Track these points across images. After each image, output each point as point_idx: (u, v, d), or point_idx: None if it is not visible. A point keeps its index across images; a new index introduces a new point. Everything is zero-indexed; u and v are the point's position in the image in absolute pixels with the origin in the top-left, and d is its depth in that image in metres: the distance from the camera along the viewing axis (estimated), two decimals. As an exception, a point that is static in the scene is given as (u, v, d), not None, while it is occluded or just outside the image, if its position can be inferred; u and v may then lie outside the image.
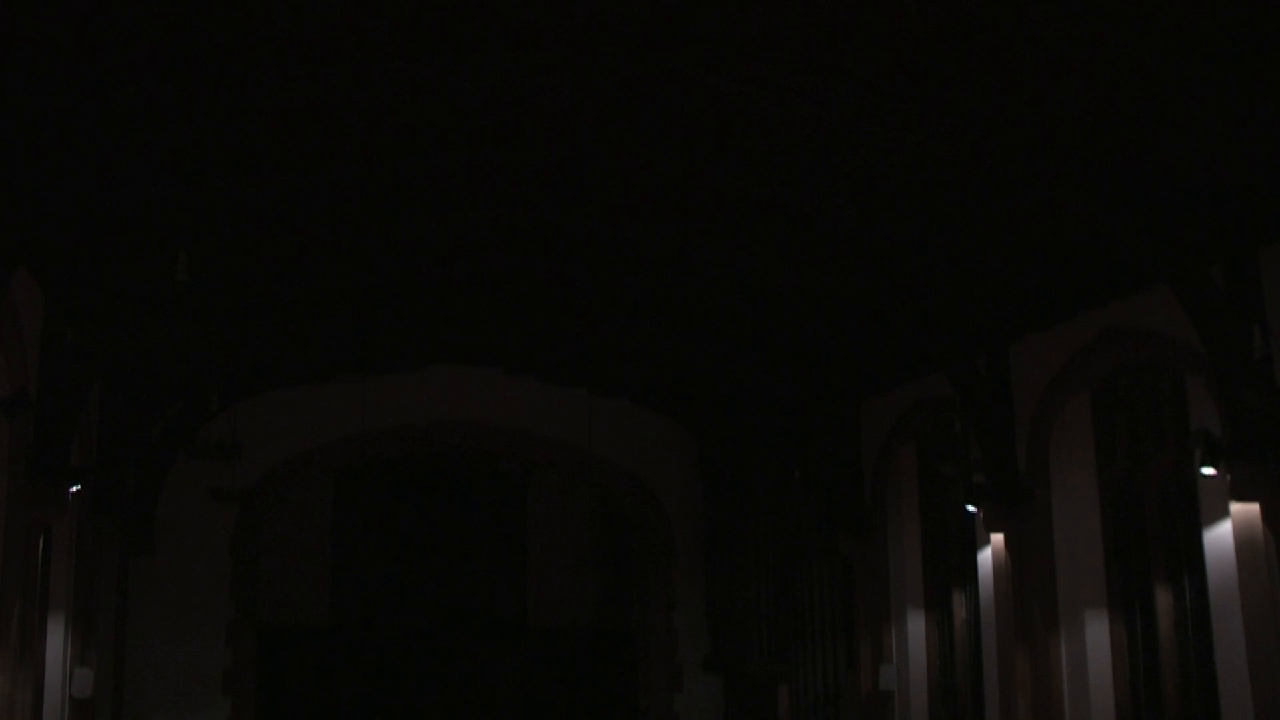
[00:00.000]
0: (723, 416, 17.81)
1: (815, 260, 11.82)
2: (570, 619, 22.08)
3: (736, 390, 16.80)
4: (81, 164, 8.53)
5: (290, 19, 7.16)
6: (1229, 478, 9.09)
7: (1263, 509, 9.00)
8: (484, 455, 19.40)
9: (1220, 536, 9.72)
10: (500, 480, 21.81)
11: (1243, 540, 9.24)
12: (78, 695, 12.36)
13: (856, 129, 9.14)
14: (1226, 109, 8.15)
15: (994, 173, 9.48)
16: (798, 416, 15.95)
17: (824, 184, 10.18)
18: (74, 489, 10.77)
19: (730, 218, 11.15)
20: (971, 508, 12.64)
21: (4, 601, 9.56)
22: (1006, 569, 12.25)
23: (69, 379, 10.63)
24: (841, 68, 8.32)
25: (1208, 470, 9.27)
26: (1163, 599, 10.81)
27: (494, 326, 15.92)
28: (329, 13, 7.18)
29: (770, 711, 16.56)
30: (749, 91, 8.84)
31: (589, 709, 20.95)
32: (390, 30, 7.60)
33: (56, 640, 12.10)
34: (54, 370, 10.47)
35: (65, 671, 12.19)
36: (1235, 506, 9.30)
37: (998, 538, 12.42)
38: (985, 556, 12.86)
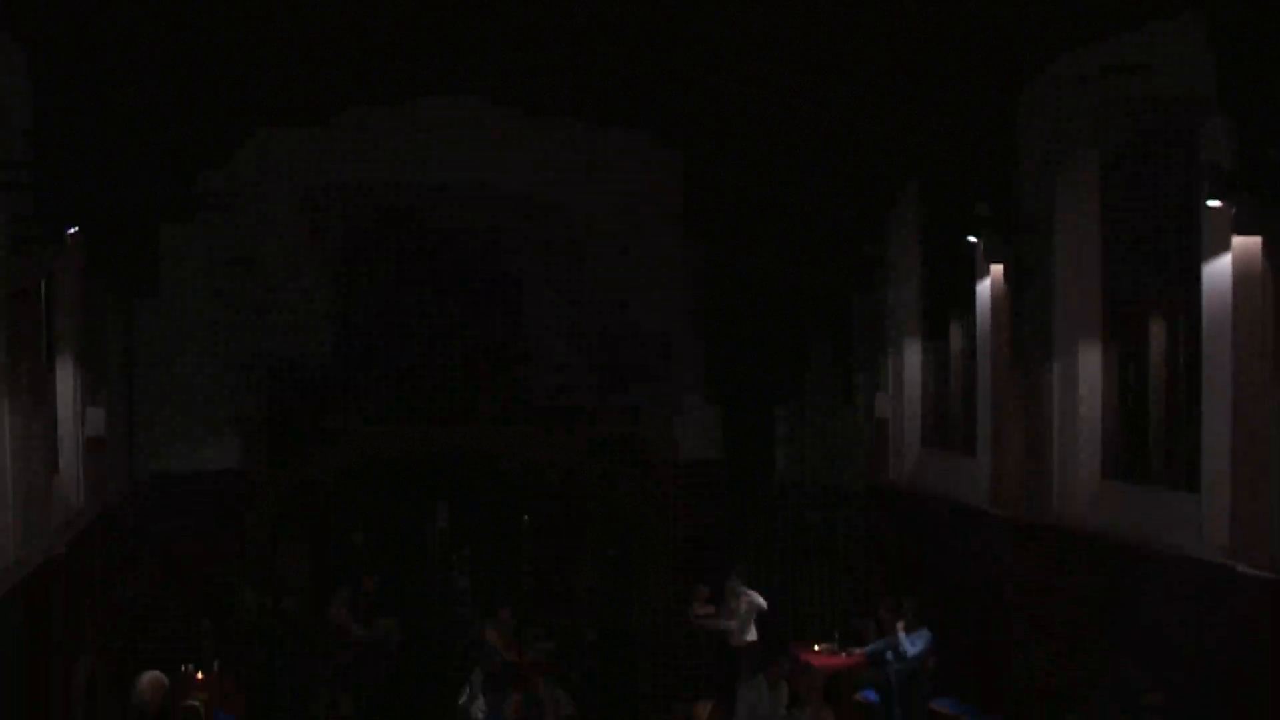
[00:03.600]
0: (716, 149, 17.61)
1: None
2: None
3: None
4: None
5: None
6: (1234, 210, 9.15)
7: (1264, 243, 9.08)
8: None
9: (1219, 269, 9.76)
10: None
11: (1240, 273, 9.22)
12: (91, 434, 12.71)
13: None
14: None
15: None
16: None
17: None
18: (72, 230, 10.73)
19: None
20: (972, 238, 12.82)
21: (12, 346, 9.68)
22: (1004, 298, 12.44)
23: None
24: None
25: (1213, 203, 9.25)
26: (1156, 330, 10.92)
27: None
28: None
29: (767, 433, 17.33)
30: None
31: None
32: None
33: (66, 380, 12.34)
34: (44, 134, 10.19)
35: (77, 411, 12.50)
36: (1237, 240, 9.31)
37: (997, 268, 12.56)
38: (984, 287, 13.04)
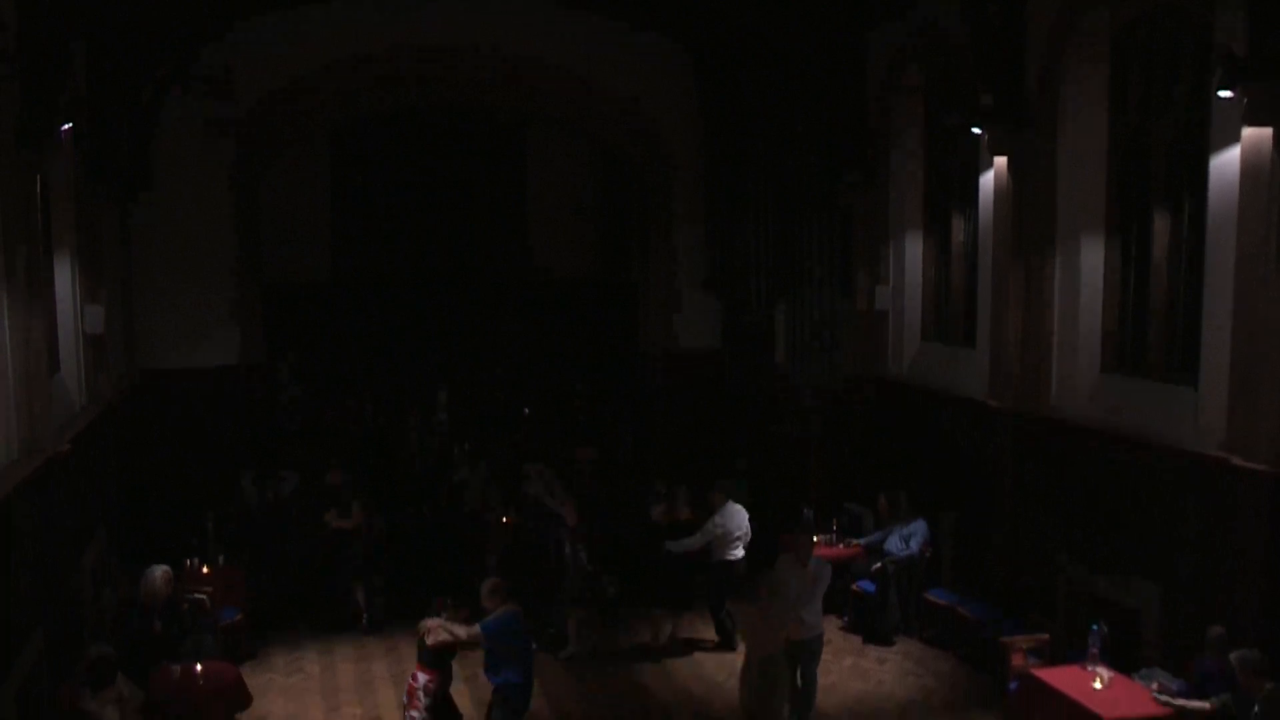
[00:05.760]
0: (726, 47, 17.27)
1: None
2: (572, 270, 22.50)
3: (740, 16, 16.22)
4: None
5: None
6: (1245, 101, 9.00)
7: (1275, 134, 8.91)
8: (480, 100, 18.89)
9: (1226, 162, 9.59)
10: (499, 132, 21.34)
11: (1249, 166, 9.09)
12: (90, 331, 12.66)
13: None
14: None
15: None
16: (801, 44, 15.42)
17: None
18: (66, 126, 10.51)
19: None
20: (976, 129, 12.60)
21: (8, 243, 9.58)
22: (1007, 191, 12.28)
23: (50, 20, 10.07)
24: None
25: (1224, 93, 9.06)
26: (1160, 224, 10.81)
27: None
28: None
29: (767, 330, 17.29)
30: None
31: (591, 351, 21.84)
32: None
33: (65, 279, 12.29)
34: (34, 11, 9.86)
35: (76, 310, 12.46)
36: (1246, 131, 9.17)
37: (1000, 160, 12.39)
38: (987, 179, 12.92)
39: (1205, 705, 8.37)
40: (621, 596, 14.13)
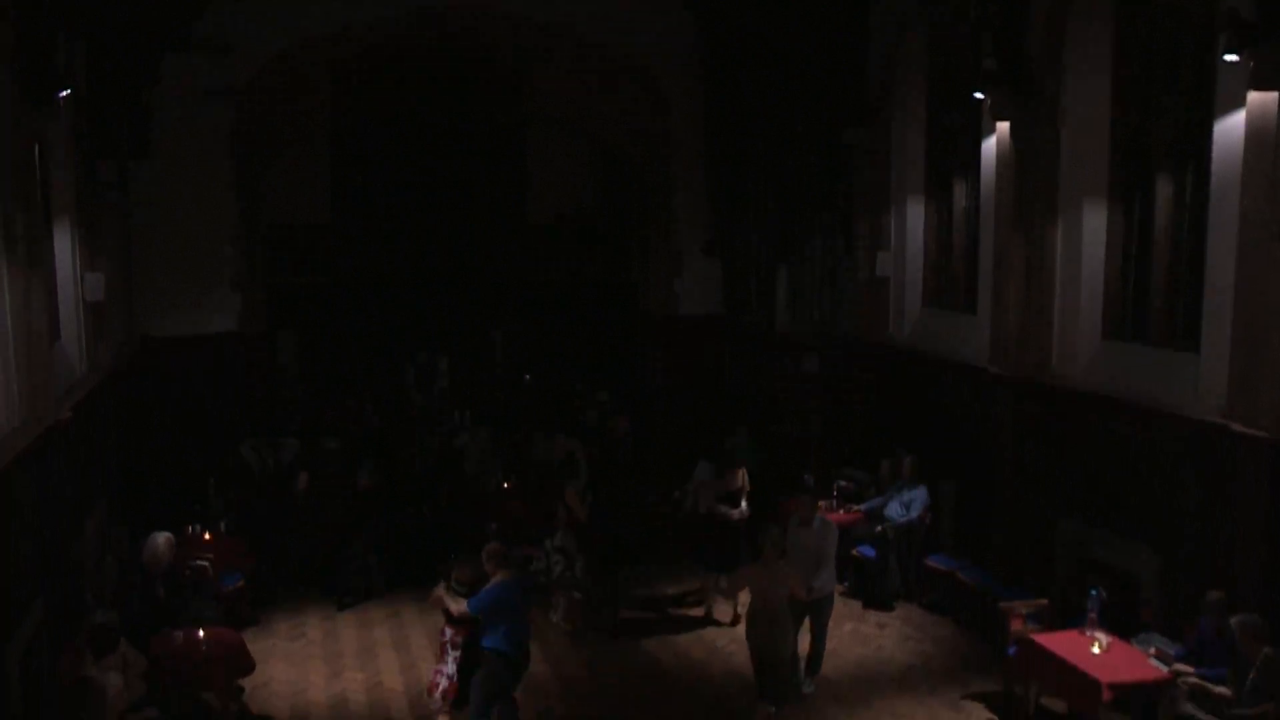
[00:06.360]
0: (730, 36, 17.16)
1: None
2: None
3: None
4: None
5: None
6: (1251, 64, 8.93)
7: (1281, 98, 8.93)
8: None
9: (1231, 128, 9.54)
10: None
11: (1253, 131, 9.03)
12: (90, 299, 12.66)
13: None
14: None
15: None
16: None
17: None
18: (64, 93, 10.47)
19: None
20: (979, 94, 12.53)
21: (8, 211, 9.55)
22: (1009, 157, 12.19)
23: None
24: None
25: (1230, 57, 9.01)
26: (1163, 190, 10.74)
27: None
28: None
29: (768, 287, 17.25)
30: None
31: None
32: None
33: (64, 246, 12.26)
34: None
35: (76, 277, 12.44)
36: (1252, 96, 9.12)
37: (1002, 126, 12.31)
38: (989, 144, 12.84)
39: (1228, 693, 8.34)
40: (592, 583, 13.83)
